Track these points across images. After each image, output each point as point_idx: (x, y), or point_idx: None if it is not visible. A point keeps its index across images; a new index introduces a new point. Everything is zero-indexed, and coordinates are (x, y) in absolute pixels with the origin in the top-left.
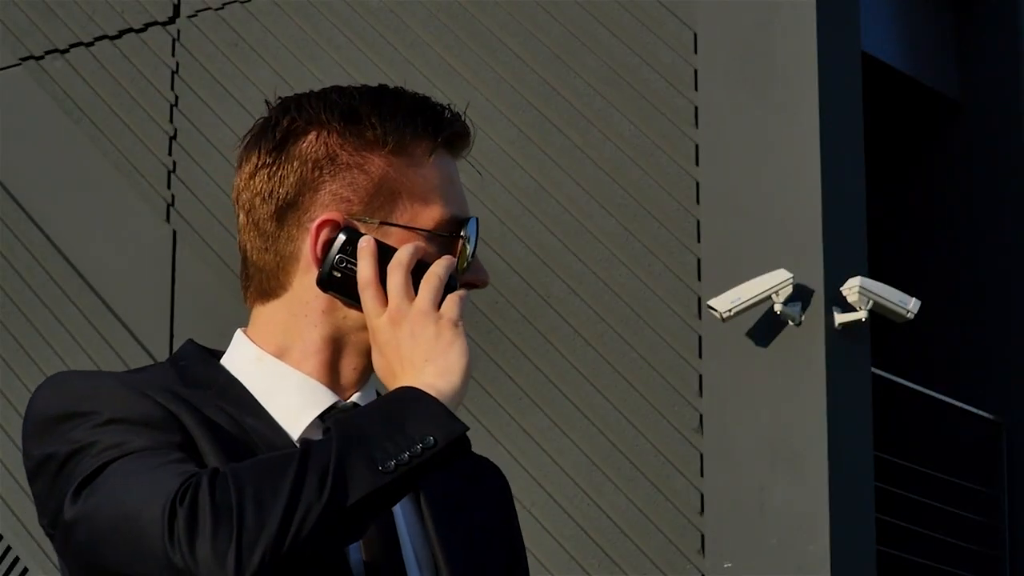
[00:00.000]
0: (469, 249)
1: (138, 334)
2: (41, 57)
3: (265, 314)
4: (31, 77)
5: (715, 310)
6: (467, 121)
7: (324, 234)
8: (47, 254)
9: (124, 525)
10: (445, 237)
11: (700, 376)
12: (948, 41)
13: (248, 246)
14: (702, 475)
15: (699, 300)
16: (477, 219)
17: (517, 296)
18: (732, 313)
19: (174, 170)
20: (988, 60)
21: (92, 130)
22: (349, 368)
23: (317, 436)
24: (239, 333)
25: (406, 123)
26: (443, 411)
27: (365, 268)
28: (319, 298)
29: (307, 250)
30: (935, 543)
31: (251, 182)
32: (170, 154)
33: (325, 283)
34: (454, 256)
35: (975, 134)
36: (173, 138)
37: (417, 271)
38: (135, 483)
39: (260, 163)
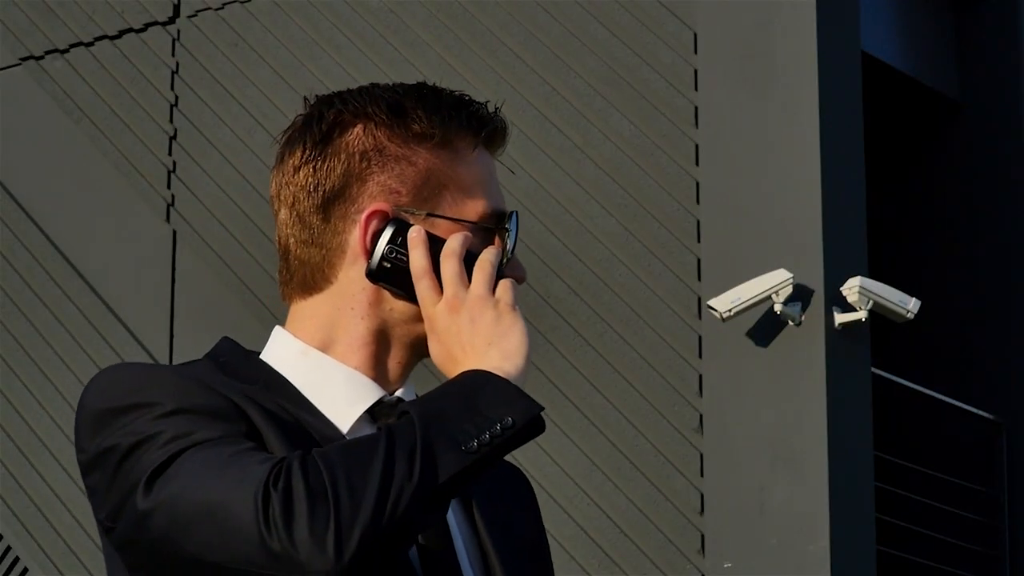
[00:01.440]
0: (510, 243)
1: (138, 334)
2: (41, 57)
3: (308, 309)
4: (31, 77)
5: (715, 310)
6: (504, 119)
7: (373, 225)
8: (47, 254)
9: (212, 512)
10: (489, 229)
11: (700, 376)
12: (948, 41)
13: (290, 241)
14: (702, 475)
15: (699, 300)
16: (517, 213)
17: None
18: (732, 313)
19: (174, 170)
20: (988, 60)
21: (92, 130)
22: (394, 362)
23: (366, 431)
24: (278, 328)
25: (451, 118)
26: (517, 391)
27: (418, 257)
28: (366, 290)
29: (354, 242)
30: (935, 543)
31: (295, 176)
32: (170, 154)
33: (375, 274)
34: (497, 248)
35: (975, 134)
36: (173, 138)
37: (467, 261)
38: (216, 471)
39: (305, 157)
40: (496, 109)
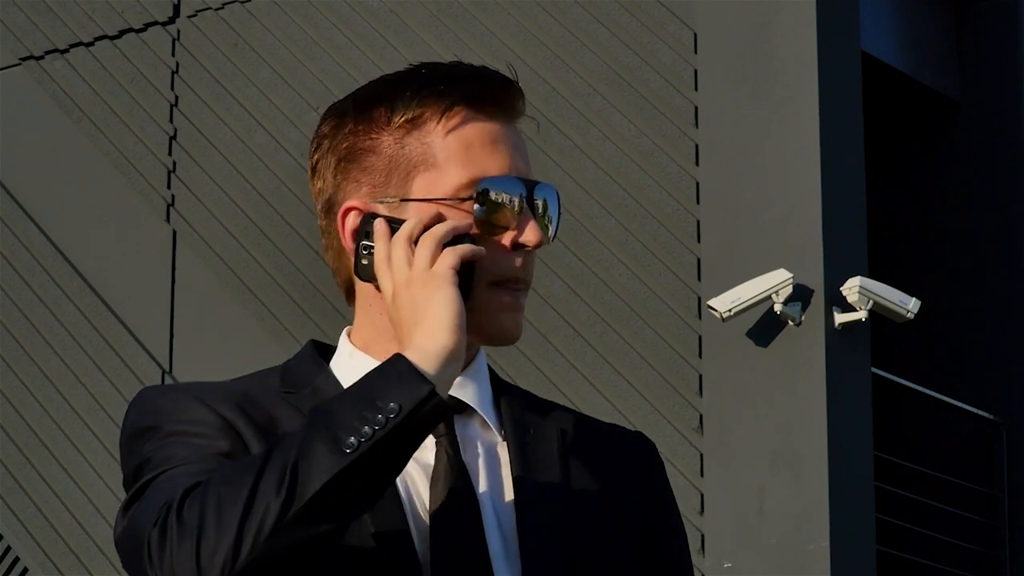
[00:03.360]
0: (506, 208)
1: (138, 334)
2: (41, 57)
3: (355, 311)
4: (31, 77)
5: (715, 310)
6: (504, 77)
7: (348, 222)
8: (47, 254)
9: (133, 544)
10: (465, 200)
11: (700, 376)
12: (948, 41)
13: (323, 252)
14: (702, 475)
15: (699, 300)
16: (526, 180)
17: None
18: (732, 313)
19: (174, 170)
20: (988, 60)
21: (92, 130)
22: None
23: None
24: (343, 332)
25: (415, 95)
26: (410, 373)
27: (379, 250)
28: (373, 288)
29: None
30: (935, 543)
31: (311, 187)
32: (170, 154)
33: (359, 272)
34: (456, 220)
35: (975, 134)
36: (173, 138)
37: (451, 243)
38: (153, 501)
39: (311, 170)
40: (486, 70)
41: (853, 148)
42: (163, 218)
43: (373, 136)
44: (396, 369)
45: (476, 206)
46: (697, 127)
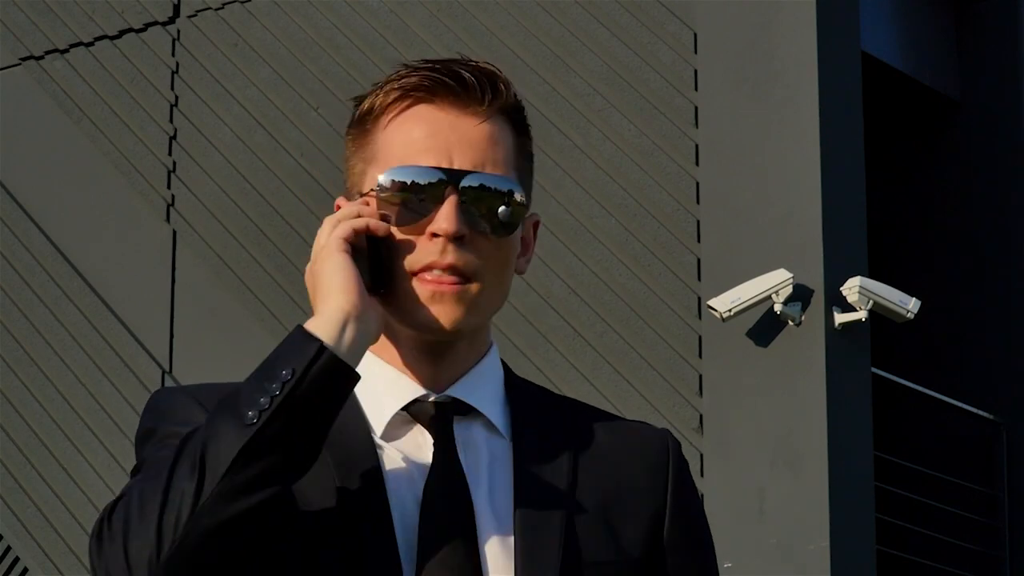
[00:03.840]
0: (418, 198)
1: (138, 334)
2: (41, 57)
3: None
4: (31, 77)
5: (715, 310)
6: (468, 69)
7: None
8: (47, 254)
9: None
10: (385, 191)
11: (700, 376)
12: (948, 41)
13: None
14: (702, 475)
15: (699, 300)
16: (449, 170)
17: (517, 296)
18: (732, 313)
19: (174, 170)
20: (988, 60)
21: (92, 130)
22: (413, 360)
23: (404, 430)
24: None
25: (371, 94)
26: (302, 337)
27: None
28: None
29: None
30: (935, 543)
31: None
32: (170, 154)
33: None
34: (362, 206)
35: (975, 134)
36: (173, 138)
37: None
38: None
39: None
40: (437, 61)
41: (853, 148)
42: (163, 218)
43: (349, 137)
44: (291, 338)
45: (389, 194)
46: (697, 127)
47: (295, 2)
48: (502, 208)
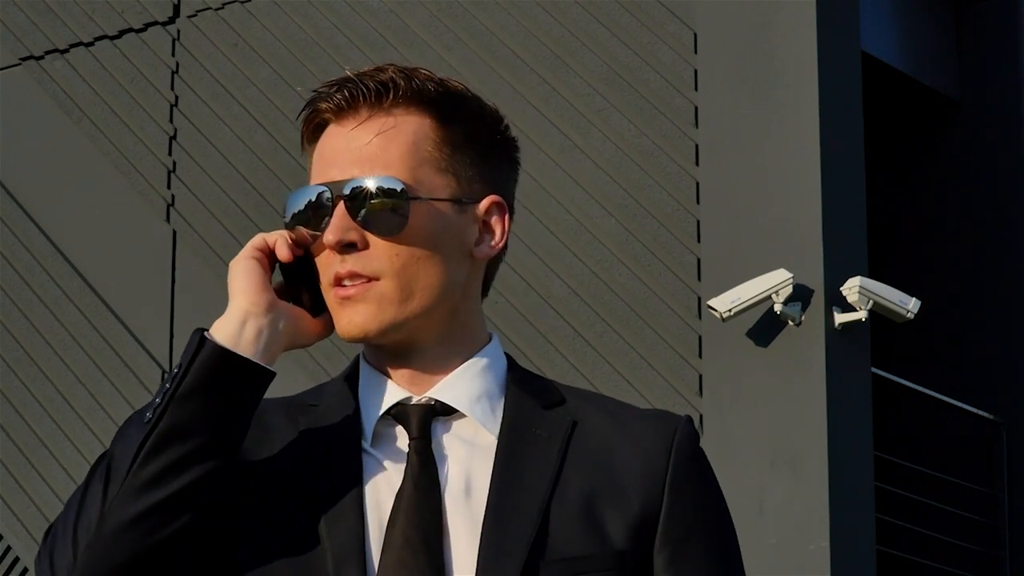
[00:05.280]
0: (306, 214)
1: (138, 334)
2: (41, 57)
3: None
4: (31, 77)
5: (715, 310)
6: (346, 79)
7: None
8: (47, 254)
9: None
10: (285, 226)
11: (700, 376)
12: (948, 41)
13: None
14: None
15: (699, 300)
16: (328, 184)
17: (517, 296)
18: (732, 313)
19: (174, 170)
20: (988, 60)
21: (92, 130)
22: (392, 365)
23: (389, 434)
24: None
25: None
26: (193, 335)
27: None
28: None
29: None
30: (935, 543)
31: None
32: (170, 154)
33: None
34: (314, 231)
35: (975, 134)
36: (173, 138)
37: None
38: None
39: None
40: (326, 88)
41: (853, 148)
42: (163, 218)
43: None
44: (189, 340)
45: (291, 223)
46: (697, 127)
47: (295, 2)
48: (380, 206)
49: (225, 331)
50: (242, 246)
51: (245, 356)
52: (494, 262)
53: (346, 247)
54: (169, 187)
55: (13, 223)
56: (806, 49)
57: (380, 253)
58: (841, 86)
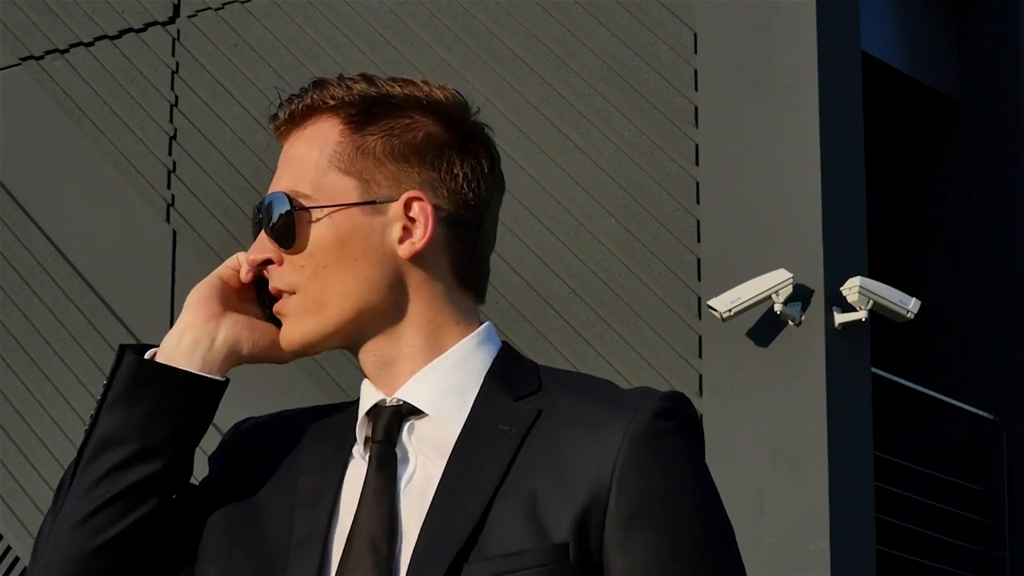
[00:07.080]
0: (255, 228)
1: (138, 334)
2: (41, 57)
3: None
4: (31, 77)
5: (715, 310)
6: (295, 93)
7: None
8: (47, 254)
9: None
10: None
11: (700, 376)
12: (948, 41)
13: None
14: None
15: (699, 300)
16: (264, 201)
17: (517, 296)
18: (732, 313)
19: (174, 170)
20: (988, 60)
21: (92, 130)
22: (365, 369)
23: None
24: None
25: None
26: (118, 348)
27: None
28: None
29: None
30: (935, 543)
31: None
32: (170, 154)
33: None
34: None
35: (975, 134)
36: (173, 138)
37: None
38: None
39: None
40: (289, 97)
41: (853, 148)
42: (163, 218)
43: None
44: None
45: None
46: (697, 127)
47: (295, 2)
48: (279, 221)
49: (165, 343)
50: (242, 246)
51: (174, 366)
52: (468, 253)
53: (264, 264)
54: (169, 187)
55: (13, 223)
56: (806, 49)
57: (289, 267)
58: (841, 86)
